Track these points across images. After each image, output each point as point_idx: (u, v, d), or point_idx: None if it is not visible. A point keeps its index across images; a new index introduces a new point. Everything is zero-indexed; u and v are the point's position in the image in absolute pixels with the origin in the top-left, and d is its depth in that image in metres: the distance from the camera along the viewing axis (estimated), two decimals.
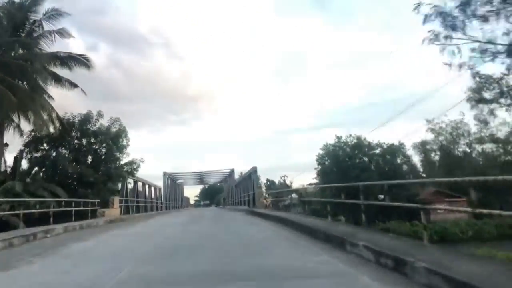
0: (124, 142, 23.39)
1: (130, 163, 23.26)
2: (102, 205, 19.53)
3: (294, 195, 18.56)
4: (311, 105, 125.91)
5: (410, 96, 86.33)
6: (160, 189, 39.53)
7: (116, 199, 19.63)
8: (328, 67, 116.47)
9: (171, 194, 46.76)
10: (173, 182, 49.43)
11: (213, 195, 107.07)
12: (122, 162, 23.05)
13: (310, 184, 60.50)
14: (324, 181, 33.60)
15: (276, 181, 74.57)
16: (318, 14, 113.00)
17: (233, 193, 43.26)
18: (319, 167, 36.89)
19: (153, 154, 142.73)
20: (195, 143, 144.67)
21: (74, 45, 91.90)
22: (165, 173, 42.96)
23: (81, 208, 16.03)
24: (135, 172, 23.44)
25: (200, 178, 58.16)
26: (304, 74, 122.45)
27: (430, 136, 38.49)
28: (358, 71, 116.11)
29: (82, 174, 20.76)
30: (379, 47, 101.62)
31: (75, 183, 20.89)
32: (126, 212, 23.42)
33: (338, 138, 36.64)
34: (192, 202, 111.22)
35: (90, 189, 19.99)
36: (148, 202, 31.35)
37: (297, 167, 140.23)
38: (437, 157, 38.36)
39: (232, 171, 45.25)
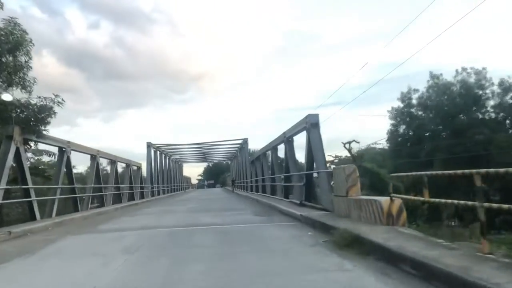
0: (22, 59, 10.35)
1: (28, 105, 10.07)
2: None
3: None
4: (313, 84, 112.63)
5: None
6: (139, 168, 26.74)
7: None
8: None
9: (163, 174, 34.16)
10: (165, 159, 36.94)
11: (218, 174, 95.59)
12: (6, 99, 9.96)
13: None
14: (403, 148, 19.58)
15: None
16: None
17: (246, 172, 30.35)
18: (395, 128, 20.86)
19: (154, 133, 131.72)
20: (198, 123, 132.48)
21: None
22: (150, 145, 30.01)
23: None
24: (41, 126, 10.31)
25: (202, 153, 45.49)
26: (307, 53, 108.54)
27: None
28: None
29: None
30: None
31: None
32: (32, 217, 10.55)
33: (435, 78, 18.86)
34: (195, 181, 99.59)
35: None
36: (108, 189, 18.52)
37: None
38: None
39: (245, 142, 32.22)
